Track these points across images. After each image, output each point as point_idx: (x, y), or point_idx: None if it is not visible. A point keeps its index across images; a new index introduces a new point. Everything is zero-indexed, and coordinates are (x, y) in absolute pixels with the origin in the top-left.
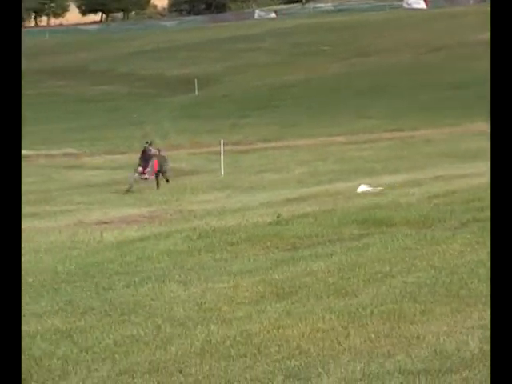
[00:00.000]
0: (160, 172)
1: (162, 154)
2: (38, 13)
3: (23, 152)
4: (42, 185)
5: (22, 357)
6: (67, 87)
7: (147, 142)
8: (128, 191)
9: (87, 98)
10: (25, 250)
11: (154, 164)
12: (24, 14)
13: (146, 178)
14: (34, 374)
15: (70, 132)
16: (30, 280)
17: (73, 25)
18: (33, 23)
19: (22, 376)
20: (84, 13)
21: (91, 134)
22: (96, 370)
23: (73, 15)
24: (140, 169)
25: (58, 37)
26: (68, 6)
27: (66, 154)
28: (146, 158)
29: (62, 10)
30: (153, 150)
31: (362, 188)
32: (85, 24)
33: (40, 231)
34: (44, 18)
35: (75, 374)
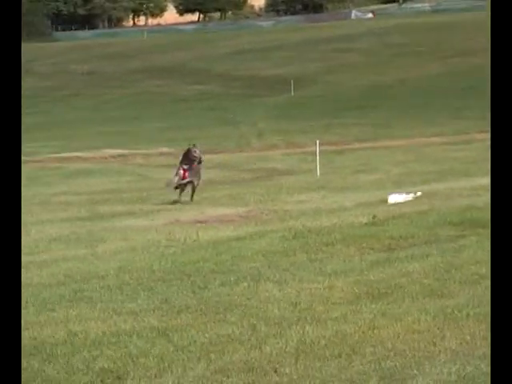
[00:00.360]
0: (185, 184)
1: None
2: (136, 12)
3: (119, 151)
4: (138, 184)
5: (119, 354)
6: (164, 87)
7: (193, 145)
8: (177, 201)
9: (183, 98)
10: (122, 249)
11: (193, 168)
12: (122, 14)
13: (186, 183)
14: (130, 372)
15: (167, 131)
16: (127, 278)
17: (170, 25)
18: (131, 23)
19: (118, 373)
20: (181, 13)
21: (187, 133)
22: (191, 368)
23: (170, 15)
24: (181, 172)
25: (156, 36)
26: (166, 6)
27: (162, 153)
28: (190, 158)
29: (159, 10)
30: (197, 152)
31: (394, 198)
32: (182, 24)
33: (136, 230)
34: (142, 18)
35: (171, 372)
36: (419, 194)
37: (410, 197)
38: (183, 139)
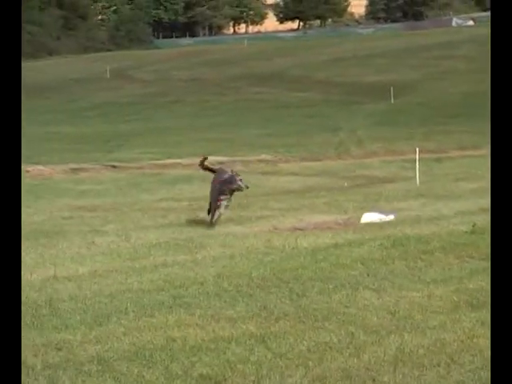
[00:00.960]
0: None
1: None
2: (237, 20)
3: (219, 158)
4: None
5: (217, 361)
6: (264, 93)
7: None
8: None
9: (283, 104)
10: (221, 255)
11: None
12: (222, 22)
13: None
14: (228, 379)
15: (266, 138)
16: (225, 285)
17: (270, 32)
18: (231, 31)
19: (217, 380)
20: (281, 21)
21: (287, 140)
22: (289, 375)
23: (270, 23)
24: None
25: (256, 44)
26: (266, 14)
27: (261, 160)
28: (231, 188)
29: (260, 18)
30: (242, 182)
31: (368, 217)
32: (282, 31)
33: (236, 236)
34: (242, 26)
35: (269, 379)
36: (391, 216)
37: (387, 218)
38: (283, 146)
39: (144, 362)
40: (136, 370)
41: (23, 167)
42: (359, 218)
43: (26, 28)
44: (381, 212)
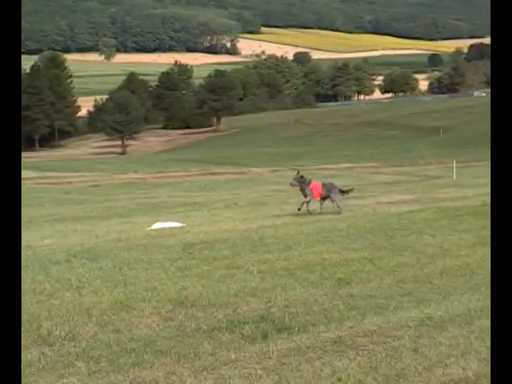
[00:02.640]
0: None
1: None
2: (359, 92)
3: (347, 165)
4: None
5: (347, 271)
6: (373, 131)
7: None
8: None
9: (383, 137)
10: (349, 215)
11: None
12: (351, 93)
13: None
14: (353, 280)
15: (375, 154)
16: (351, 231)
17: (376, 99)
18: (356, 98)
19: (347, 280)
20: (382, 92)
21: (385, 156)
22: (384, 279)
23: (377, 93)
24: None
25: (369, 105)
26: (374, 88)
27: (371, 166)
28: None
29: (371, 91)
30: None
31: (158, 225)
32: (383, 98)
33: (357, 206)
34: (362, 96)
35: (374, 281)
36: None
37: (176, 224)
38: (382, 159)
39: (309, 271)
40: (305, 276)
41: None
42: (424, 198)
43: (256, 102)
44: (171, 221)
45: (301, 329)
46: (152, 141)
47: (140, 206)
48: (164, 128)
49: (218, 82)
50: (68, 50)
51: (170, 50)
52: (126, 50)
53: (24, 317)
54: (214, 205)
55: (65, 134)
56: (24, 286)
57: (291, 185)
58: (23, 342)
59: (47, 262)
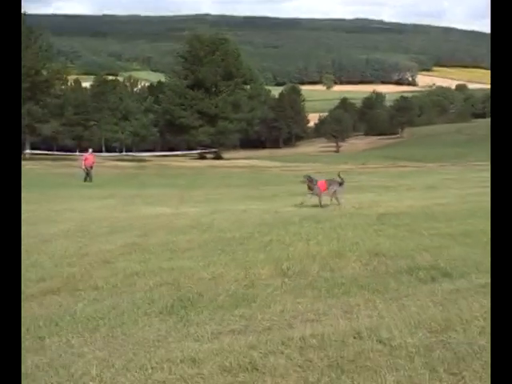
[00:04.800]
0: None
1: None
2: None
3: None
4: None
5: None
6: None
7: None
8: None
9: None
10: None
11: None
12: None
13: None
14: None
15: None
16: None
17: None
18: None
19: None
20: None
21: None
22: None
23: None
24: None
25: None
26: None
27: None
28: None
29: None
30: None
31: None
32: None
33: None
34: None
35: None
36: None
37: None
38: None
39: (466, 236)
40: (463, 239)
41: None
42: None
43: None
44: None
45: (459, 276)
46: (357, 143)
47: (348, 187)
48: (366, 135)
49: (403, 104)
50: (302, 83)
51: (370, 82)
52: (340, 83)
53: (273, 258)
54: (400, 188)
55: (299, 138)
56: (271, 237)
57: (302, 182)
58: (273, 277)
59: (287, 222)
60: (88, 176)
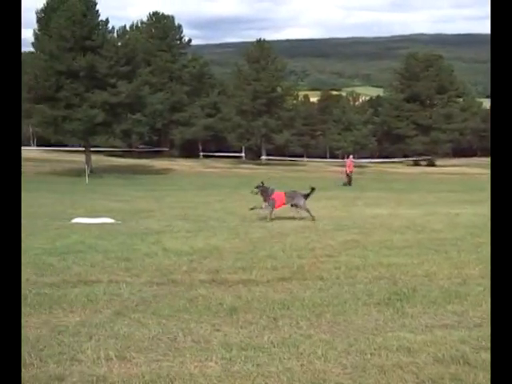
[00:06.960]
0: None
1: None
2: None
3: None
4: None
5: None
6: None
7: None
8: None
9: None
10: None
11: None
12: None
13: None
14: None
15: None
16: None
17: None
18: None
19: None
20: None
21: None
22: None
23: None
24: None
25: None
26: None
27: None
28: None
29: None
30: (269, 189)
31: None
32: None
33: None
34: None
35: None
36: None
37: (95, 221)
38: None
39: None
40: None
41: None
42: None
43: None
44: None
45: None
46: None
47: None
48: None
49: None
50: None
51: None
52: None
53: (484, 259)
54: None
55: None
56: (482, 239)
57: (252, 193)
58: (484, 277)
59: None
60: (348, 180)
